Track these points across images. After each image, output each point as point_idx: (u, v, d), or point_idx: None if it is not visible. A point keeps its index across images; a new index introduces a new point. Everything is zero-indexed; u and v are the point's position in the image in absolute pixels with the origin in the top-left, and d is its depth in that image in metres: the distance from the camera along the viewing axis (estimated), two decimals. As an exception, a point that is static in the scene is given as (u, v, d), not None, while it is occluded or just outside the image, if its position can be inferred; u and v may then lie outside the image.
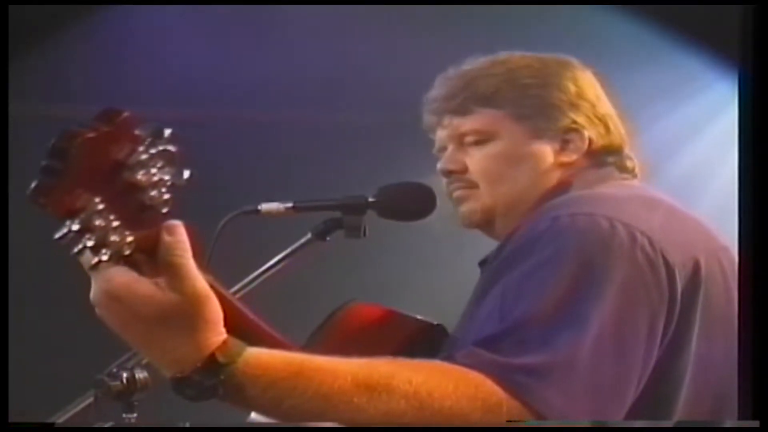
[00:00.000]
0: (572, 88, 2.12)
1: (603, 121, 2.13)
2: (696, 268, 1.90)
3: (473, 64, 2.17)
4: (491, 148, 2.11)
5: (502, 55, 2.18)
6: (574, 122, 2.10)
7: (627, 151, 2.16)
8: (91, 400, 2.42)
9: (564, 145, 2.10)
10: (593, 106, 2.12)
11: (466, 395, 1.73)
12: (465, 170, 2.14)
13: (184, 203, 1.61)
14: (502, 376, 1.75)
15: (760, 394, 1.93)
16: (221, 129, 4.99)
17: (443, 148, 2.17)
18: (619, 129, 2.15)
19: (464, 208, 2.15)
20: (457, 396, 1.72)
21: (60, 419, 2.51)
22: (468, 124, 2.13)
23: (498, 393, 1.74)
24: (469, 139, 2.13)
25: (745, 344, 1.92)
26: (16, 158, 3.50)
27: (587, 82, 2.14)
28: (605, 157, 2.12)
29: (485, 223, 2.14)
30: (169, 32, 4.88)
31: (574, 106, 2.11)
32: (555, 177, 2.10)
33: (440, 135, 2.18)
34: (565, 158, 2.10)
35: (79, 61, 4.89)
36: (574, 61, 2.18)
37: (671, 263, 1.87)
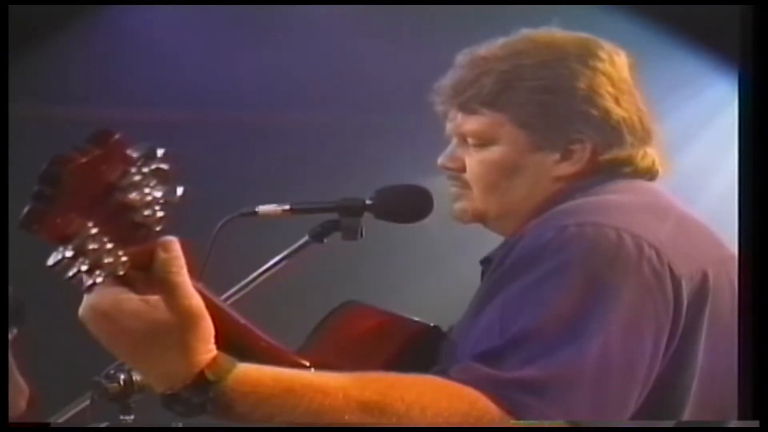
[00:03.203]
0: (585, 92, 1.99)
1: (617, 128, 2.00)
2: (704, 280, 1.87)
3: (487, 50, 2.06)
4: (489, 154, 2.03)
5: (519, 38, 2.06)
6: (579, 132, 1.99)
7: (649, 150, 2.05)
8: (87, 402, 2.42)
9: (566, 156, 2.00)
10: (607, 112, 1.99)
11: (459, 413, 1.71)
12: (463, 169, 2.08)
13: (181, 205, 1.60)
14: (497, 391, 1.73)
15: (760, 394, 1.93)
16: (219, 130, 4.99)
17: (449, 139, 2.11)
18: (638, 131, 2.02)
19: (457, 205, 2.09)
20: (450, 413, 1.71)
21: (57, 421, 2.52)
22: (470, 124, 2.05)
23: (492, 411, 1.72)
24: (471, 141, 2.06)
25: (745, 344, 1.92)
26: (16, 159, 3.50)
27: (607, 79, 2.00)
28: (615, 167, 2.02)
29: (477, 222, 2.10)
30: (168, 33, 4.88)
31: (583, 115, 1.99)
32: (551, 188, 2.01)
33: (447, 126, 2.10)
34: (565, 170, 2.00)
35: (79, 62, 4.89)
36: (604, 47, 2.03)
37: (678, 276, 1.84)
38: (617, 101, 1.99)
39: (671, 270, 1.83)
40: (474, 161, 2.05)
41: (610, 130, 1.99)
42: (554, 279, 1.79)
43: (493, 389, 1.73)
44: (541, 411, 1.72)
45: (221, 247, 2.45)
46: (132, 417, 2.39)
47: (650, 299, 1.81)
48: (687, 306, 1.84)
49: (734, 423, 1.91)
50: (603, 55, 2.02)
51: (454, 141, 2.09)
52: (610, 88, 1.99)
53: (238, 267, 2.44)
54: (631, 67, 2.04)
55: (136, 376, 2.34)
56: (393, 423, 1.69)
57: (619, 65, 2.02)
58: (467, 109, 2.04)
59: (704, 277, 1.88)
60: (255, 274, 2.53)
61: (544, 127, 2.00)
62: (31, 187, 1.51)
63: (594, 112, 1.98)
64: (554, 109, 1.99)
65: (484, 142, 2.03)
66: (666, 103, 4.92)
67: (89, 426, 2.52)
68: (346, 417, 1.68)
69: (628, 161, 2.02)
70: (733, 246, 2.02)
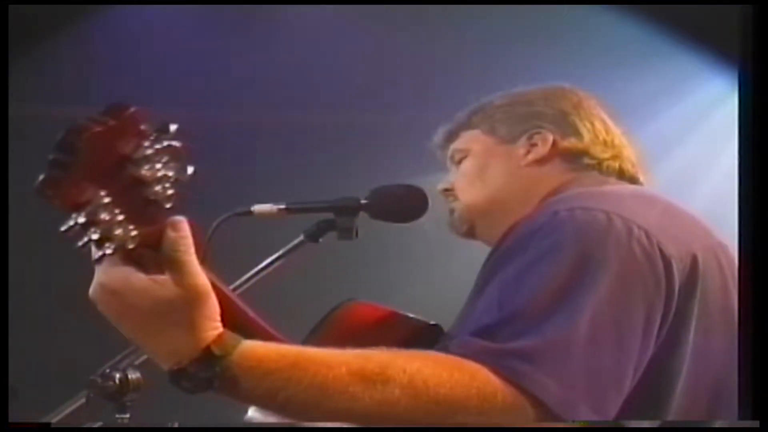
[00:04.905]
0: (541, 101, 2.23)
1: (572, 125, 2.19)
2: (693, 263, 1.91)
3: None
4: (466, 162, 2.26)
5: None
6: (538, 126, 2.19)
7: (623, 154, 2.19)
8: (83, 401, 2.43)
9: (530, 148, 2.19)
10: (564, 114, 2.20)
11: (460, 384, 1.73)
12: (453, 187, 2.28)
13: (183, 202, 1.62)
14: (496, 362, 1.76)
15: (760, 394, 1.93)
16: (214, 129, 4.98)
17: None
18: (599, 133, 2.19)
19: (450, 219, 2.28)
20: (451, 384, 1.73)
21: (53, 420, 2.52)
22: (453, 145, 2.29)
23: (493, 381, 1.74)
24: (455, 158, 2.28)
25: (745, 343, 1.92)
26: (16, 159, 3.51)
27: (566, 97, 2.23)
28: (577, 156, 2.17)
29: (467, 230, 2.25)
30: (167, 33, 4.89)
31: (540, 114, 2.21)
32: (526, 176, 2.17)
33: (447, 162, 2.32)
34: (531, 157, 2.18)
35: (79, 62, 4.90)
36: (568, 86, 2.28)
37: (668, 256, 1.88)
38: (574, 108, 2.22)
39: (661, 251, 1.88)
40: (457, 174, 2.27)
41: (566, 125, 2.20)
42: (547, 259, 1.85)
43: (492, 360, 1.76)
44: (536, 377, 1.75)
45: (217, 246, 2.45)
46: (128, 416, 2.39)
47: (640, 276, 1.85)
48: (678, 287, 1.88)
49: (734, 423, 1.92)
50: (565, 86, 2.27)
51: (450, 170, 2.30)
52: (567, 101, 2.23)
53: (233, 266, 2.43)
54: (602, 108, 2.26)
55: (132, 375, 2.34)
56: (396, 394, 1.71)
57: (581, 95, 2.25)
58: (453, 137, 2.30)
59: (694, 260, 1.91)
60: (250, 273, 2.53)
61: (507, 125, 2.23)
62: (31, 187, 1.51)
63: (550, 111, 2.21)
64: (515, 112, 2.24)
65: (463, 155, 2.27)
66: (663, 100, 4.97)
67: (86, 426, 2.52)
68: (350, 389, 1.70)
69: (587, 152, 2.18)
70: (721, 235, 2.04)
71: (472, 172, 2.23)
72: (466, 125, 2.27)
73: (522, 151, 2.19)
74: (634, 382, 1.83)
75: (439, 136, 2.33)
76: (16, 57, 4.01)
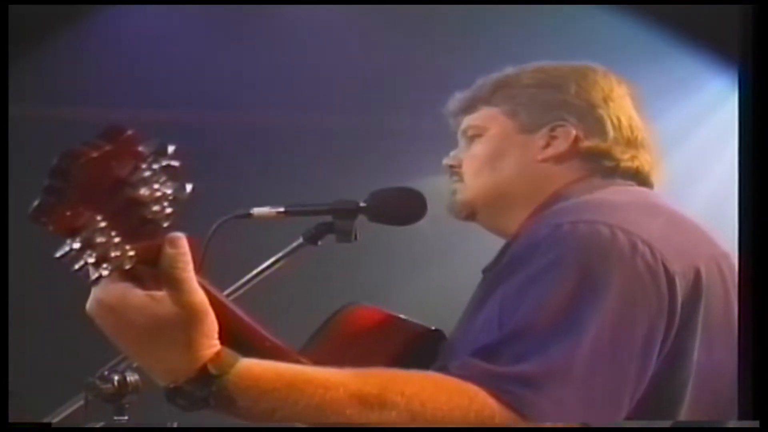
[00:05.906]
0: (573, 88, 2.13)
1: (600, 121, 2.11)
2: (697, 277, 1.89)
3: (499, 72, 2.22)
4: (480, 143, 2.16)
5: (531, 64, 2.21)
6: (563, 119, 2.11)
7: (640, 155, 2.13)
8: (81, 402, 2.43)
9: (550, 141, 2.11)
10: (593, 107, 2.11)
11: (459, 407, 1.73)
12: (460, 165, 2.20)
13: (189, 202, 1.61)
14: (496, 386, 1.74)
15: (760, 395, 1.93)
16: (213, 131, 4.99)
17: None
18: (624, 130, 2.12)
19: (450, 200, 2.20)
20: (450, 407, 1.72)
21: (51, 421, 2.52)
22: (469, 120, 2.20)
23: (491, 405, 1.73)
24: (468, 133, 2.19)
25: (745, 344, 1.92)
26: (16, 159, 3.51)
27: (597, 85, 2.14)
28: (596, 157, 2.11)
29: (468, 215, 2.19)
30: (167, 34, 4.89)
31: (567, 104, 2.12)
32: (540, 172, 2.11)
33: (458, 134, 2.23)
34: (549, 152, 2.11)
35: (78, 62, 4.90)
36: (600, 68, 2.18)
37: (671, 272, 1.85)
38: (604, 101, 2.12)
39: (665, 267, 1.85)
40: (467, 153, 2.18)
41: (592, 121, 2.11)
42: (549, 275, 1.82)
43: (491, 383, 1.74)
44: (536, 404, 1.74)
45: (215, 249, 2.45)
46: (126, 418, 2.38)
47: (644, 294, 1.83)
48: (681, 303, 1.86)
49: (734, 423, 1.92)
50: (597, 69, 2.16)
51: (459, 143, 2.22)
52: (598, 90, 2.12)
53: (232, 269, 2.44)
54: (632, 96, 2.16)
55: (130, 377, 2.34)
56: (393, 417, 1.71)
57: (613, 81, 2.15)
58: (469, 109, 2.19)
59: (697, 273, 1.89)
60: (249, 276, 2.53)
61: (530, 112, 2.13)
62: (31, 187, 1.52)
63: (578, 102, 2.11)
64: (541, 97, 2.13)
65: (478, 132, 2.17)
66: (662, 101, 4.97)
67: (85, 427, 2.52)
68: (347, 411, 1.70)
69: (608, 154, 2.11)
70: (725, 244, 2.03)
71: (483, 156, 2.15)
72: (487, 100, 2.17)
73: (541, 142, 2.11)
74: (637, 397, 1.82)
75: (455, 103, 2.24)
76: (16, 57, 4.00)
